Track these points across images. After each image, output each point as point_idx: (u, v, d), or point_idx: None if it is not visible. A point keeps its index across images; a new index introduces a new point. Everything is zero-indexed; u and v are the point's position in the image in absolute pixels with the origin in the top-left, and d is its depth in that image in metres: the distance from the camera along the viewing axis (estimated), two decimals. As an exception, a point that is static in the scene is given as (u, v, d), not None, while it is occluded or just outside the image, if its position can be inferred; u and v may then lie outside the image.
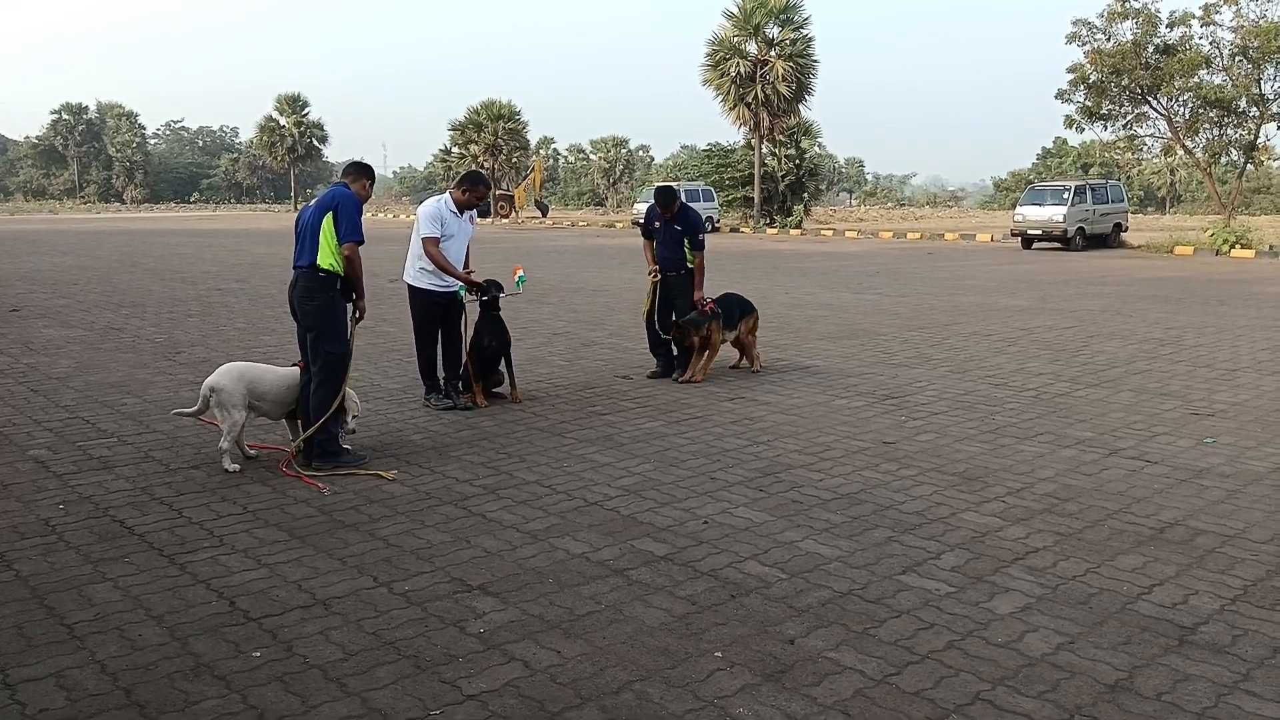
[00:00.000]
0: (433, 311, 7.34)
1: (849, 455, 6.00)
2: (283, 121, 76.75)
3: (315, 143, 77.75)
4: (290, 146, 76.31)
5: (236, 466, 5.65)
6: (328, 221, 5.62)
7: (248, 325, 11.59)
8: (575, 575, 4.13)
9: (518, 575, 4.13)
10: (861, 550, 4.41)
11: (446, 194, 7.50)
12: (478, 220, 7.67)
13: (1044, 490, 5.32)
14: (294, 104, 76.91)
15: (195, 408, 5.81)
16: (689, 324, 8.24)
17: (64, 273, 18.77)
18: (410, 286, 7.37)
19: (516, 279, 7.92)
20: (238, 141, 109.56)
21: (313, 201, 5.82)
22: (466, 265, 7.51)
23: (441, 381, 7.46)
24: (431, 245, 7.12)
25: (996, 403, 7.50)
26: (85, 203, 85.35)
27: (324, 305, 5.72)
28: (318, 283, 5.69)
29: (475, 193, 7.33)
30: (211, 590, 3.97)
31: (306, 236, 5.72)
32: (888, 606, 3.81)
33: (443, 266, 7.12)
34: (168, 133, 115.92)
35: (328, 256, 5.64)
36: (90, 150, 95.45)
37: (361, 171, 5.98)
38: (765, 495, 5.21)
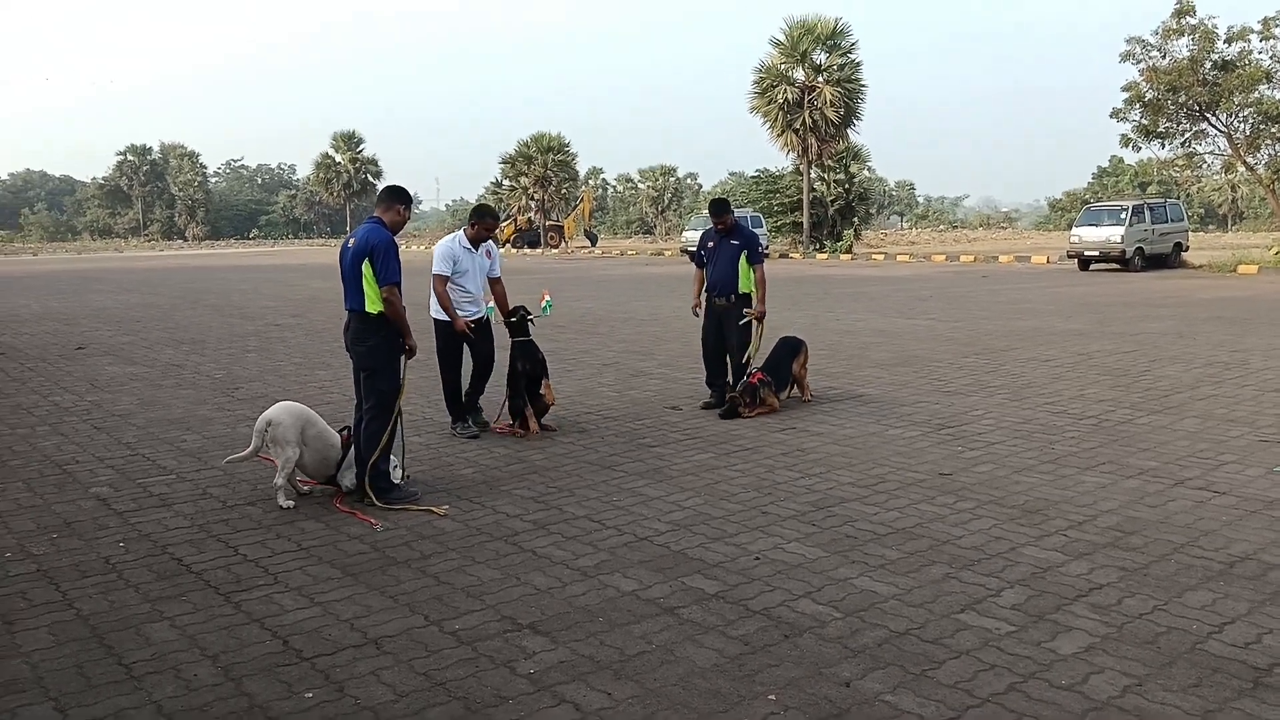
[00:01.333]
0: (455, 342, 7.54)
1: (904, 488, 5.90)
2: (338, 158, 78.47)
3: (370, 178, 79.24)
4: (346, 182, 77.94)
5: (291, 503, 5.72)
6: (367, 269, 5.66)
7: (304, 360, 11.78)
8: (625, 614, 4.09)
9: (568, 614, 4.10)
10: (919, 588, 4.31)
11: (460, 232, 7.73)
12: (496, 253, 7.87)
13: (1107, 523, 5.17)
14: (349, 141, 78.65)
15: (250, 448, 5.89)
16: (744, 394, 8.08)
17: (128, 310, 19.29)
18: (434, 320, 7.57)
19: (544, 304, 7.98)
20: (295, 178, 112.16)
21: (350, 241, 5.85)
22: (503, 301, 7.78)
23: (465, 405, 7.69)
24: (439, 283, 7.39)
25: (1056, 431, 7.33)
26: (149, 240, 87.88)
27: (376, 346, 5.79)
28: (369, 325, 5.76)
29: (484, 225, 7.61)
30: (265, 629, 4.00)
31: (350, 281, 5.78)
32: (946, 647, 3.71)
33: (444, 305, 7.40)
34: (228, 171, 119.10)
35: (374, 303, 5.70)
36: (154, 190, 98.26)
37: (395, 197, 5.96)
38: (818, 530, 5.13)
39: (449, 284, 7.48)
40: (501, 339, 7.80)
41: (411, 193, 6.56)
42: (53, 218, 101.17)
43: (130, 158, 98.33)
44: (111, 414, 8.57)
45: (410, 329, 5.88)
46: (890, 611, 4.05)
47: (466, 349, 7.66)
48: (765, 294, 8.48)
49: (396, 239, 5.91)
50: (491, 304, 7.73)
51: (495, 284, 7.82)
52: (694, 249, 8.94)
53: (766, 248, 39.69)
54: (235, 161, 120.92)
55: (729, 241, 8.46)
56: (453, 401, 7.70)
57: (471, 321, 7.53)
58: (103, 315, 18.18)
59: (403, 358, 5.94)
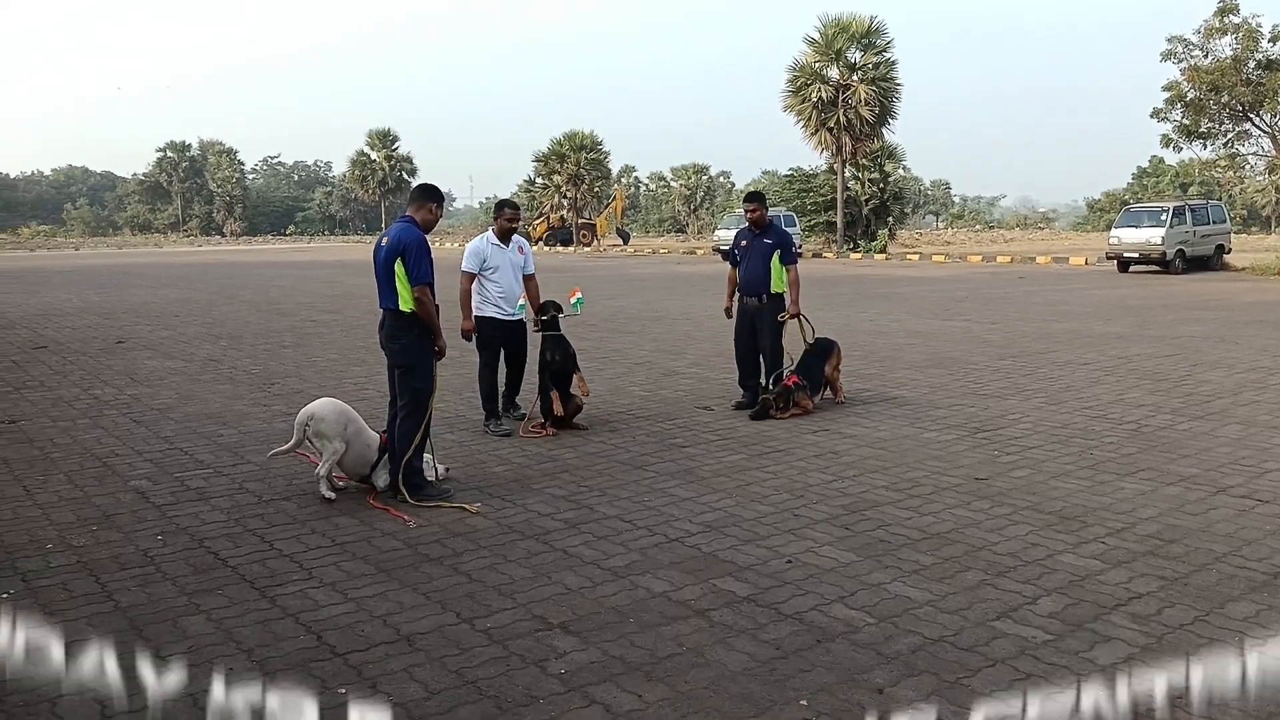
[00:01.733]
0: (493, 340, 7.74)
1: (939, 492, 5.84)
2: (374, 156, 79.07)
3: (405, 175, 79.75)
4: (381, 180, 78.51)
5: (333, 495, 5.78)
6: (399, 268, 5.69)
7: (339, 357, 11.88)
8: (656, 615, 4.08)
9: (598, 614, 4.10)
10: (953, 594, 4.26)
11: (490, 229, 7.91)
12: (529, 250, 8.06)
13: (1147, 531, 5.08)
14: (384, 139, 79.21)
15: (291, 441, 5.95)
16: (777, 398, 8.03)
17: (166, 305, 19.56)
18: (475, 316, 7.71)
19: (574, 301, 8.00)
20: (331, 175, 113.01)
21: (384, 239, 5.89)
22: (535, 297, 7.96)
23: (501, 405, 7.88)
24: (465, 280, 7.66)
25: (1094, 436, 7.22)
26: (187, 236, 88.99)
27: (409, 344, 5.83)
28: (403, 323, 5.79)
29: (505, 216, 7.81)
30: (300, 624, 4.04)
31: (383, 280, 5.82)
32: (981, 655, 3.67)
33: (463, 304, 7.63)
34: (265, 168, 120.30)
35: (407, 302, 5.74)
36: (193, 186, 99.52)
37: (427, 196, 5.99)
38: (851, 534, 5.09)
39: (481, 281, 7.63)
40: (532, 336, 7.87)
41: (445, 190, 6.62)
42: (94, 213, 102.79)
43: (170, 154, 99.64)
44: (150, 408, 8.69)
45: (441, 329, 5.90)
46: (924, 618, 4.01)
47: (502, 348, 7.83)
48: (799, 295, 8.42)
49: (429, 237, 5.95)
50: (524, 302, 7.79)
51: (529, 280, 7.91)
52: (726, 247, 8.92)
53: (800, 247, 39.59)
54: (272, 158, 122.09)
55: (762, 240, 8.41)
56: (489, 399, 7.79)
57: (509, 321, 7.74)
58: (142, 310, 18.44)
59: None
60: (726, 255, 8.92)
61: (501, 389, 7.94)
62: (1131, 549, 4.81)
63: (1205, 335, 12.98)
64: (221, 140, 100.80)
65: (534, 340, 7.85)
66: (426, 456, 5.94)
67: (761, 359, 8.48)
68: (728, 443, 7.19)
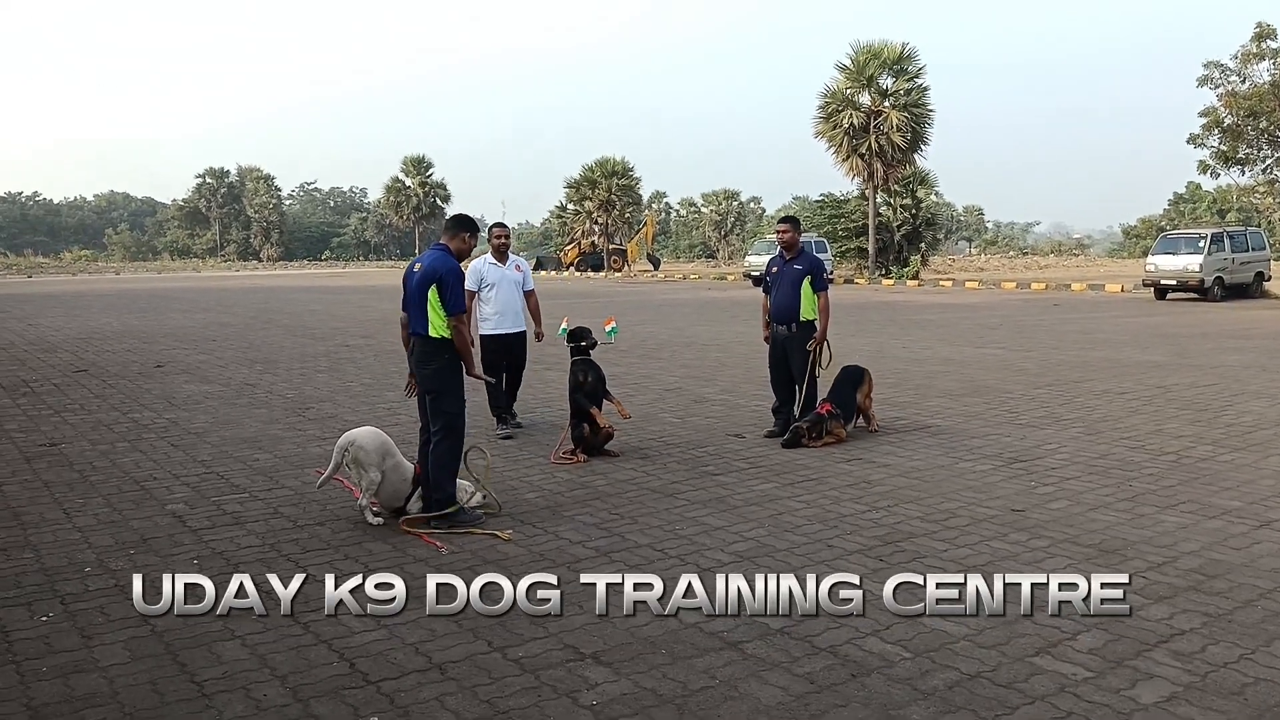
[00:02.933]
0: (496, 354, 8.43)
1: (975, 524, 5.77)
2: (408, 182, 79.98)
3: (438, 201, 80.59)
4: (415, 206, 79.37)
5: (380, 519, 5.82)
6: (433, 295, 5.76)
7: (373, 381, 11.97)
8: (688, 646, 4.05)
9: (630, 644, 4.08)
10: (991, 629, 4.20)
11: (487, 251, 8.71)
12: (526, 267, 8.80)
13: (1188, 565, 4.99)
14: (419, 165, 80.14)
15: (330, 466, 6.00)
16: (810, 426, 7.98)
17: (204, 329, 19.84)
18: (480, 335, 8.39)
19: (608, 330, 8.13)
20: (366, 201, 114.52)
21: (416, 266, 5.96)
22: (536, 311, 8.73)
23: (503, 413, 8.54)
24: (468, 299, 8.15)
25: (1133, 467, 7.11)
26: (225, 261, 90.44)
27: (441, 369, 5.87)
28: (434, 348, 5.85)
29: (494, 235, 8.67)
30: (333, 650, 4.05)
31: (415, 305, 5.87)
32: (1020, 692, 3.61)
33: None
34: (302, 194, 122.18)
35: (439, 328, 5.80)
36: (231, 211, 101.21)
37: (461, 226, 6.09)
38: (886, 565, 5.03)
39: (479, 300, 8.39)
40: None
41: (477, 217, 6.74)
42: (134, 238, 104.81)
43: (209, 180, 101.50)
44: (188, 431, 8.79)
45: (474, 359, 5.97)
46: (961, 653, 3.95)
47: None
48: (828, 322, 8.35)
49: (463, 265, 6.03)
50: (565, 325, 8.08)
51: (529, 296, 8.64)
52: (758, 273, 9.12)
53: (831, 272, 39.52)
54: (309, 184, 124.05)
55: (792, 266, 8.37)
56: (495, 406, 8.51)
57: (510, 335, 8.48)
58: (179, 334, 18.72)
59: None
60: (758, 281, 8.96)
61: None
62: (1173, 584, 4.72)
63: (1246, 364, 12.77)
64: (260, 167, 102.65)
65: (564, 364, 7.93)
66: (463, 482, 5.97)
67: (796, 388, 8.43)
68: (759, 471, 7.15)
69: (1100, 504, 6.15)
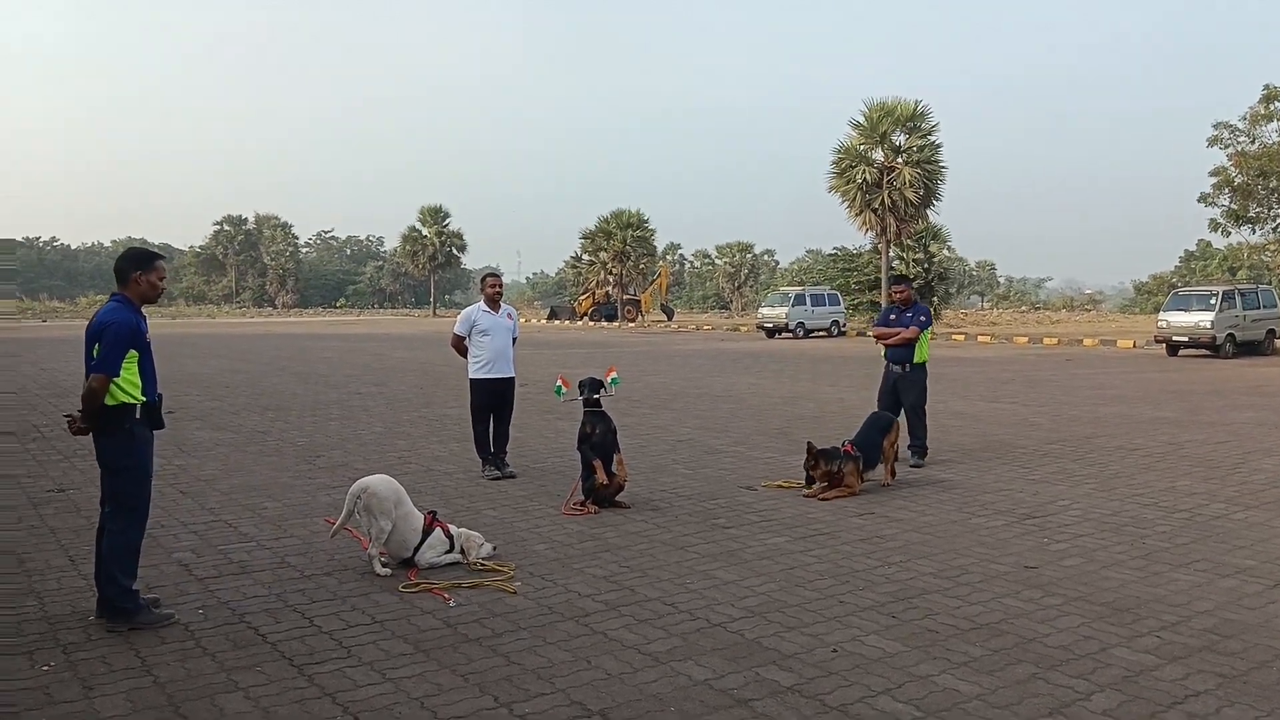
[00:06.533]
0: (486, 398, 8.76)
1: (988, 580, 5.70)
2: (425, 231, 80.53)
3: (454, 251, 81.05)
4: (431, 255, 79.78)
5: (388, 570, 5.79)
6: (97, 351, 4.76)
7: (385, 430, 11.98)
8: (698, 704, 3.99)
9: (638, 701, 4.02)
10: (1003, 688, 4.13)
11: (481, 300, 9.07)
12: (515, 316, 9.17)
13: (1203, 625, 4.91)
14: (435, 215, 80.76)
15: (343, 514, 5.99)
16: (822, 455, 8.01)
17: (217, 375, 19.93)
18: (470, 379, 8.88)
19: (610, 379, 8.13)
20: (382, 250, 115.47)
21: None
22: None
23: (492, 457, 8.79)
24: (455, 340, 9.02)
25: (1146, 525, 7.03)
26: (240, 308, 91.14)
27: (118, 442, 5.03)
28: (113, 416, 4.97)
29: (488, 284, 9.06)
30: (337, 704, 4.01)
31: (88, 364, 4.97)
32: (1034, 755, 3.53)
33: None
34: (319, 241, 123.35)
35: (115, 393, 4.91)
36: (247, 258, 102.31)
37: (133, 264, 5.10)
38: (898, 622, 4.97)
39: (471, 345, 8.82)
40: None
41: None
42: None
43: (226, 227, 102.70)
44: (197, 479, 8.80)
45: (91, 415, 4.94)
46: (973, 712, 3.88)
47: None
48: (900, 339, 9.65)
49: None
50: (560, 385, 8.17)
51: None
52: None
53: (844, 325, 39.67)
54: (326, 232, 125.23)
55: (905, 315, 9.72)
56: (482, 446, 8.81)
57: (499, 380, 8.80)
58: (193, 381, 18.80)
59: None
60: (881, 321, 10.43)
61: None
62: (1187, 643, 4.64)
63: (1259, 421, 12.67)
64: (277, 215, 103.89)
65: (576, 416, 7.93)
66: (473, 533, 5.95)
67: (905, 417, 9.53)
68: (771, 524, 7.10)
69: (1113, 561, 6.08)
